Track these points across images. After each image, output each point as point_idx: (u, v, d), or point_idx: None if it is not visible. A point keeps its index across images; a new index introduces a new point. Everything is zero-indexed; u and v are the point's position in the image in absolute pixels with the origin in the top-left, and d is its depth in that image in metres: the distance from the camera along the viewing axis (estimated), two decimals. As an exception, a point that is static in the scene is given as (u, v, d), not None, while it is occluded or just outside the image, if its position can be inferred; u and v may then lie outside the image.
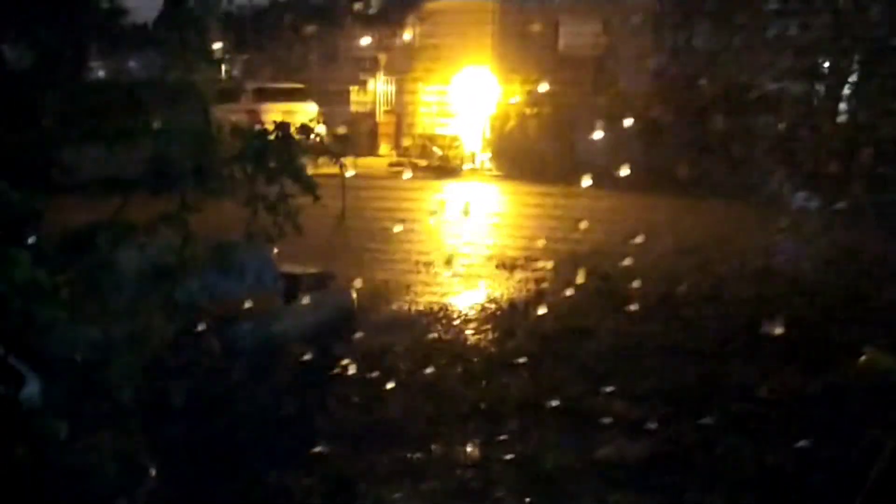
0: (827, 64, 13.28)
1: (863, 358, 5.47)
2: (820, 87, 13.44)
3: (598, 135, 13.82)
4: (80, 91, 3.52)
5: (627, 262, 7.16)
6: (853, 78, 12.89)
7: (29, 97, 3.18)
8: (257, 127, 3.93)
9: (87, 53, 3.43)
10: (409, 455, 4.53)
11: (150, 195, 3.93)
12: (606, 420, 4.84)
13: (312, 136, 3.86)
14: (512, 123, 16.86)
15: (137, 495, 3.64)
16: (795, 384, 5.34)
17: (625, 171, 9.57)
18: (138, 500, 3.62)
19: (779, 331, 5.61)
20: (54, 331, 2.96)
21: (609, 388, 5.22)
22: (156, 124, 3.58)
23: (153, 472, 3.76)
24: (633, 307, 6.40)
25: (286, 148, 3.53)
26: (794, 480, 4.18)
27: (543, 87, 16.32)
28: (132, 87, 3.85)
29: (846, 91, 13.11)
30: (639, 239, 7.46)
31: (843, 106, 13.25)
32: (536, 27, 15.89)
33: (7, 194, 2.76)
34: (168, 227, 3.67)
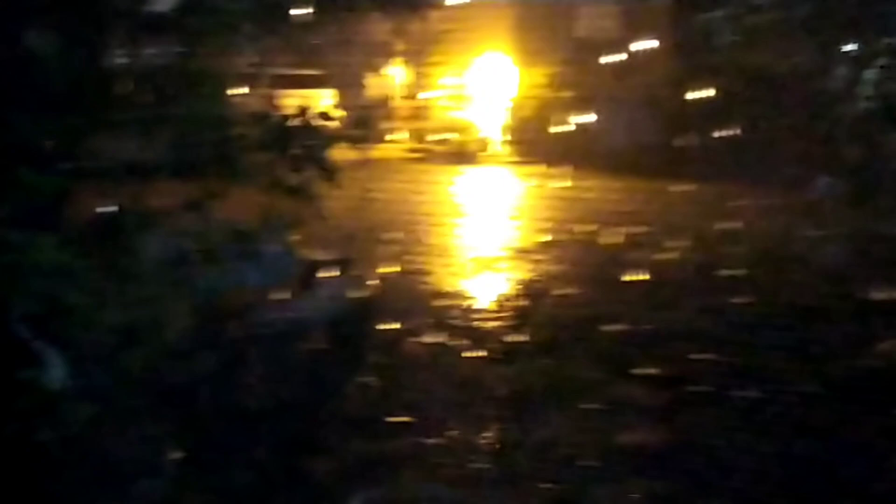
0: (850, 47, 13.11)
1: (883, 345, 5.44)
2: (844, 71, 13.26)
3: (615, 120, 13.74)
4: (102, 78, 3.52)
5: (640, 250, 7.14)
6: (879, 61, 12.71)
7: (51, 84, 3.18)
8: (277, 113, 3.93)
9: (108, 40, 3.42)
10: (427, 440, 4.56)
11: (172, 182, 3.94)
12: (626, 405, 4.84)
13: (332, 121, 3.85)
14: (529, 109, 16.81)
15: (161, 479, 3.68)
16: (818, 371, 5.31)
17: (641, 157, 9.55)
18: (162, 484, 3.66)
19: (802, 320, 5.59)
20: (79, 315, 2.98)
21: (627, 374, 5.23)
22: (176, 111, 3.58)
23: (177, 455, 3.79)
24: (647, 294, 6.40)
25: (308, 133, 3.53)
26: (812, 466, 4.17)
27: (561, 73, 16.26)
28: (152, 74, 3.83)
29: (870, 75, 12.93)
30: (651, 227, 7.42)
31: (866, 90, 13.08)
32: (554, 13, 15.81)
33: (31, 180, 2.78)
34: (190, 213, 3.68)
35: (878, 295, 6.35)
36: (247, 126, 3.90)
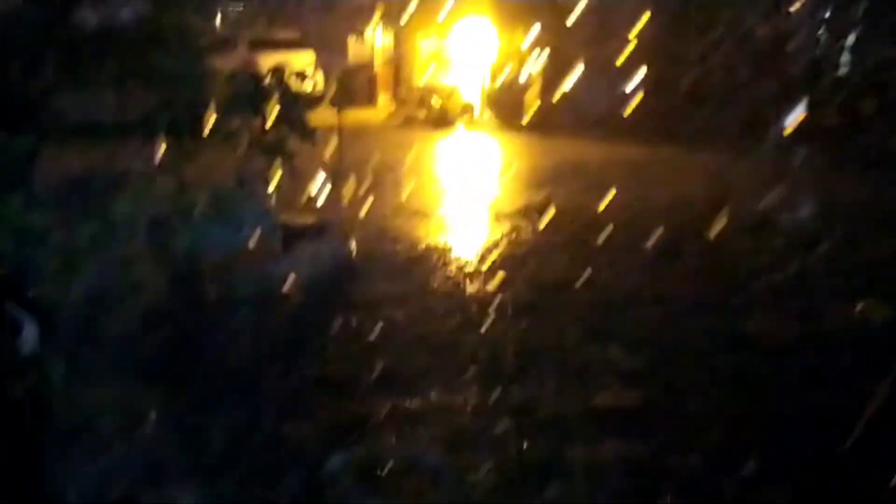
0: (829, 13, 13.09)
1: (859, 306, 5.50)
2: (823, 36, 13.26)
3: (595, 85, 13.66)
4: (71, 35, 3.45)
5: (618, 214, 7.14)
6: (856, 28, 12.71)
7: (18, 40, 3.11)
8: (253, 73, 3.88)
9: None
10: (407, 402, 4.57)
11: (145, 143, 3.88)
12: (602, 368, 4.87)
13: (308, 82, 3.80)
14: (511, 74, 16.68)
15: (137, 439, 3.67)
16: (790, 333, 5.36)
17: (624, 122, 9.51)
18: (137, 444, 3.66)
19: (776, 280, 5.64)
20: (49, 277, 2.95)
21: (604, 337, 5.26)
22: (148, 70, 3.52)
23: (152, 416, 3.79)
24: (625, 257, 6.42)
25: (282, 94, 3.48)
26: (789, 426, 4.22)
27: (542, 39, 16.12)
28: (125, 32, 3.76)
29: (849, 41, 12.94)
30: (627, 191, 7.37)
31: (845, 57, 13.10)
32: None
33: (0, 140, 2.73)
34: (163, 175, 3.63)
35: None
36: (222, 87, 3.84)
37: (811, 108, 11.20)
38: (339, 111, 4.29)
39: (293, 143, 3.81)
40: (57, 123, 3.40)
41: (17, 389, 2.61)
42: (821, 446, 3.78)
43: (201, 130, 3.73)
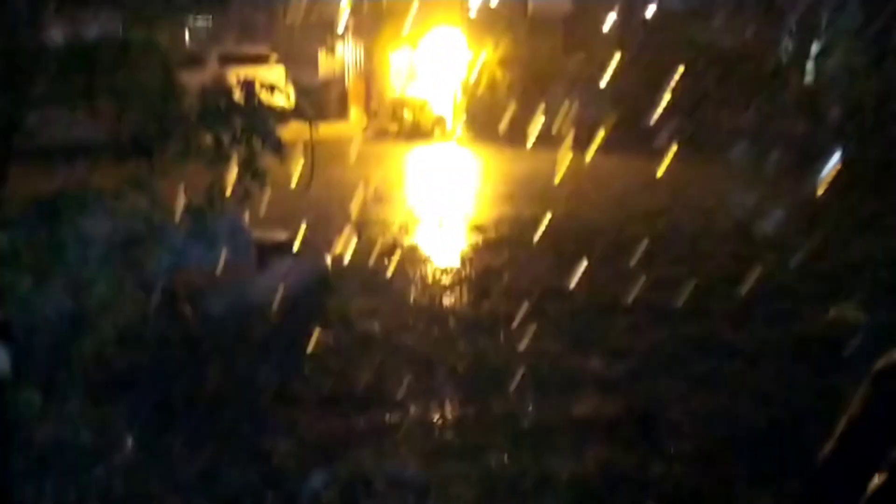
0: (795, 23, 13.30)
1: (831, 311, 5.55)
2: (788, 45, 13.45)
3: (568, 97, 13.76)
4: (38, 51, 3.38)
5: (591, 225, 7.17)
6: (822, 37, 12.91)
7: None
8: (222, 87, 3.83)
9: (42, 12, 3.27)
10: (386, 417, 4.53)
11: (116, 161, 3.82)
12: (581, 378, 4.87)
13: (279, 95, 3.77)
14: (482, 87, 16.74)
15: (114, 465, 3.59)
16: (766, 338, 5.41)
17: (595, 133, 9.60)
18: (115, 470, 3.58)
19: (747, 286, 5.69)
20: (19, 298, 2.88)
21: (583, 346, 5.26)
22: (116, 85, 3.47)
23: (129, 441, 3.71)
24: (600, 267, 6.46)
25: (253, 107, 3.44)
26: (764, 433, 4.24)
27: (513, 51, 16.24)
28: (93, 47, 3.69)
29: (814, 49, 13.14)
30: (598, 203, 7.42)
31: (810, 65, 13.29)
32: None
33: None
34: (135, 192, 3.56)
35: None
36: (191, 101, 3.79)
37: (778, 115, 11.35)
38: (310, 125, 4.25)
39: (265, 158, 3.77)
40: (25, 143, 3.33)
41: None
42: (798, 451, 3.79)
43: (172, 146, 3.68)
